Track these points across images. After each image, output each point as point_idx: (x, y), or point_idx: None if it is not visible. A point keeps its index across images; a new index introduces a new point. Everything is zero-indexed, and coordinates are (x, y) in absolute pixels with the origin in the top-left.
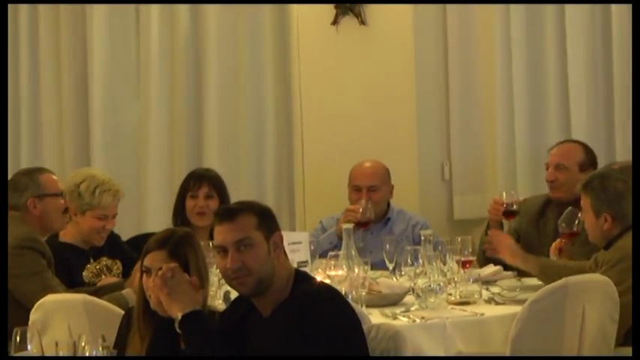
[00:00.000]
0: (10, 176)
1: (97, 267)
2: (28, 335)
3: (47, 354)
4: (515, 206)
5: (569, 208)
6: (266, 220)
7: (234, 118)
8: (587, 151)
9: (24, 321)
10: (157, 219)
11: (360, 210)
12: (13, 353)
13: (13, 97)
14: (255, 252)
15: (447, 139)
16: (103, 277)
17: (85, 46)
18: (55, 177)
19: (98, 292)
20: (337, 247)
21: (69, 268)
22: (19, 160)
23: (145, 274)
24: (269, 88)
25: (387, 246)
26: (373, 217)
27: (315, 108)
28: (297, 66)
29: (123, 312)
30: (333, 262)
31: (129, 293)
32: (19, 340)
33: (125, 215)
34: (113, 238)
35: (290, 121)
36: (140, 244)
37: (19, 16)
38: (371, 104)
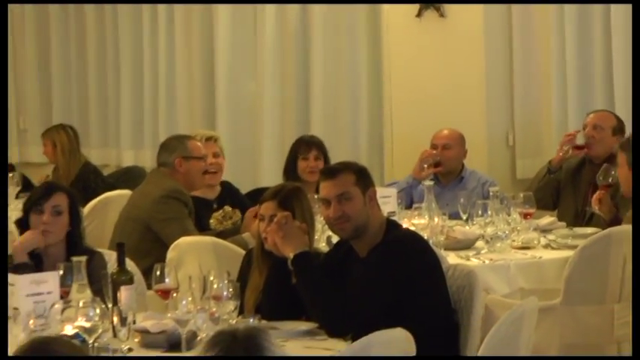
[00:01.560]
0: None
1: (222, 214)
2: (166, 270)
3: (182, 286)
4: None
5: (605, 164)
6: (363, 178)
7: (334, 95)
8: (619, 120)
9: (163, 259)
10: (270, 176)
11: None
12: (153, 286)
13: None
14: (353, 204)
15: (510, 112)
16: (225, 223)
17: (212, 35)
18: (199, 144)
19: (221, 235)
20: (412, 186)
21: (198, 216)
22: (157, 127)
23: (260, 221)
24: (363, 70)
25: (462, 200)
26: (442, 169)
27: (402, 86)
28: (387, 50)
29: (244, 252)
30: (416, 213)
31: (248, 236)
32: (159, 274)
33: (243, 173)
34: (234, 190)
35: (380, 97)
36: (256, 196)
37: (158, 14)
38: (447, 82)
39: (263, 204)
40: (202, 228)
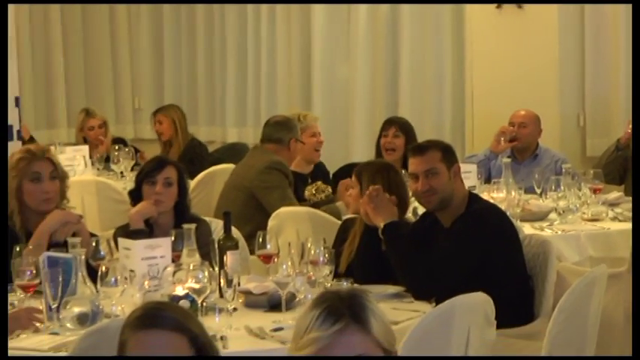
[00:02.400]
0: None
1: (315, 187)
2: (268, 237)
3: (282, 252)
4: None
5: None
6: (448, 155)
7: (421, 79)
8: None
9: (264, 225)
10: (361, 152)
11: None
12: (256, 251)
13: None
14: (439, 178)
15: (581, 95)
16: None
17: (310, 24)
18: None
19: (316, 206)
20: (490, 158)
21: (295, 188)
22: (259, 107)
23: (351, 189)
24: (448, 56)
25: (536, 175)
26: (518, 144)
27: (482, 71)
28: (469, 38)
29: (337, 221)
30: (495, 187)
31: (341, 205)
32: (261, 240)
33: (337, 149)
34: (325, 170)
35: (462, 80)
36: (348, 170)
37: (260, 12)
38: (523, 67)
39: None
40: (297, 199)
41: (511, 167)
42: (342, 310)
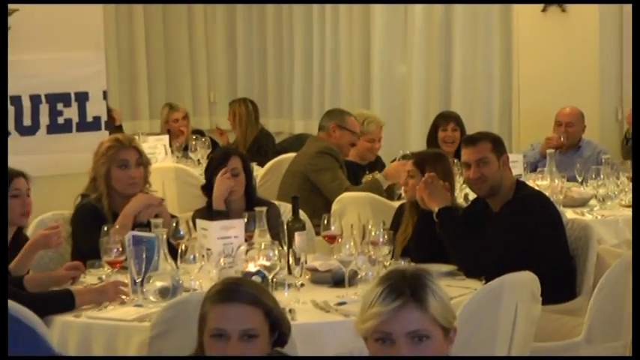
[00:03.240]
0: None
1: (371, 176)
2: (332, 220)
3: (345, 233)
4: None
5: None
6: (498, 146)
7: (472, 76)
8: None
9: (319, 205)
10: (416, 144)
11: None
12: (321, 232)
13: (319, 59)
14: (489, 167)
15: (620, 91)
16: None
17: (369, 25)
18: (357, 122)
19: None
20: (539, 161)
21: (355, 177)
22: (323, 101)
23: (410, 178)
24: (496, 55)
25: (577, 165)
26: (565, 143)
27: (528, 69)
28: (516, 38)
29: (395, 205)
30: (540, 176)
31: (381, 178)
32: (326, 222)
33: (394, 141)
34: (382, 162)
35: (510, 78)
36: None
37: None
38: (566, 65)
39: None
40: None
41: (556, 157)
42: (403, 288)
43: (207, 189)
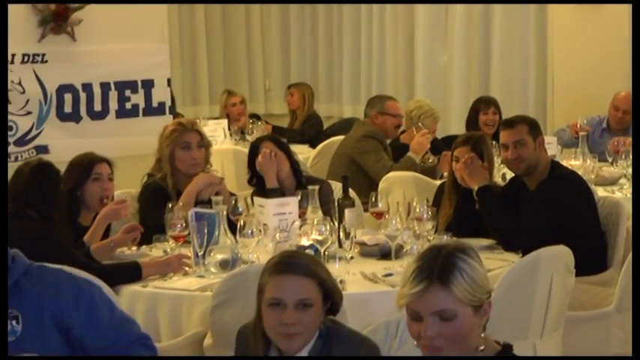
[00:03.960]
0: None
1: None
2: (379, 197)
3: (391, 210)
4: None
5: None
6: (534, 128)
7: (509, 64)
8: None
9: (364, 185)
10: (456, 127)
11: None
12: (369, 209)
13: (367, 48)
14: (526, 148)
15: None
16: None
17: (413, 16)
18: (398, 105)
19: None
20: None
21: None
22: (370, 87)
23: (454, 161)
24: (532, 44)
25: (608, 146)
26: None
27: (562, 57)
28: (551, 28)
29: (437, 184)
30: (573, 156)
31: (413, 155)
32: (374, 200)
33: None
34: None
35: (545, 65)
36: (448, 141)
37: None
38: (598, 54)
39: (457, 148)
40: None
41: (608, 136)
42: (431, 269)
43: (252, 176)
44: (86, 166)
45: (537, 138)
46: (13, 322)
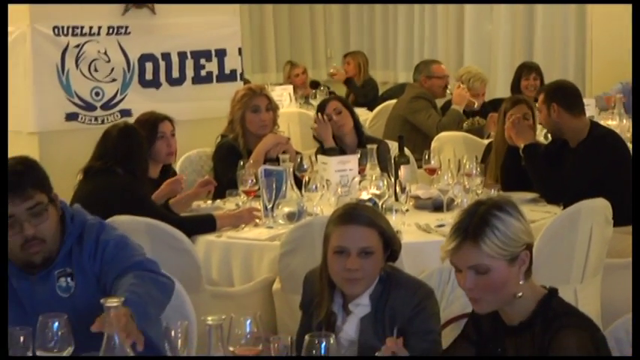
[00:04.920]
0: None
1: (471, 121)
2: (432, 155)
3: (443, 166)
4: None
5: None
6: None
7: (550, 32)
8: None
9: (417, 142)
10: (502, 91)
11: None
12: (423, 166)
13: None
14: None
15: None
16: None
17: None
18: (443, 67)
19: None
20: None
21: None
22: (423, 54)
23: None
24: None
25: None
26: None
27: (599, 26)
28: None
29: (486, 143)
30: (610, 116)
31: (457, 107)
32: (427, 157)
33: None
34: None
35: (584, 33)
36: (494, 104)
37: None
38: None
39: (505, 110)
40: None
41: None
42: (466, 227)
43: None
44: (151, 126)
45: (550, 106)
46: (68, 279)
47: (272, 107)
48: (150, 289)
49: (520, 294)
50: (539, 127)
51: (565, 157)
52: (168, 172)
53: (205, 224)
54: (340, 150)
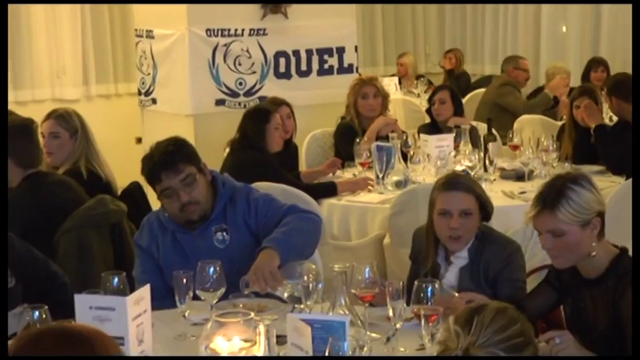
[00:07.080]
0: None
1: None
2: (514, 134)
3: (524, 144)
4: None
5: None
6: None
7: (615, 32)
8: None
9: (505, 122)
10: (573, 82)
11: None
12: (507, 143)
13: (503, 21)
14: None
15: None
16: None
17: None
18: (527, 62)
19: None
20: None
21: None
22: (506, 50)
23: (574, 107)
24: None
25: None
26: None
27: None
28: None
29: (559, 124)
30: None
31: (547, 91)
32: (511, 136)
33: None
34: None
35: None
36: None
37: None
38: None
39: (577, 97)
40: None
41: None
42: (545, 197)
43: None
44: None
45: (611, 99)
46: (224, 234)
47: (381, 94)
48: (299, 223)
49: (594, 253)
50: (605, 110)
51: (628, 135)
52: (289, 145)
53: (328, 190)
54: (439, 130)
